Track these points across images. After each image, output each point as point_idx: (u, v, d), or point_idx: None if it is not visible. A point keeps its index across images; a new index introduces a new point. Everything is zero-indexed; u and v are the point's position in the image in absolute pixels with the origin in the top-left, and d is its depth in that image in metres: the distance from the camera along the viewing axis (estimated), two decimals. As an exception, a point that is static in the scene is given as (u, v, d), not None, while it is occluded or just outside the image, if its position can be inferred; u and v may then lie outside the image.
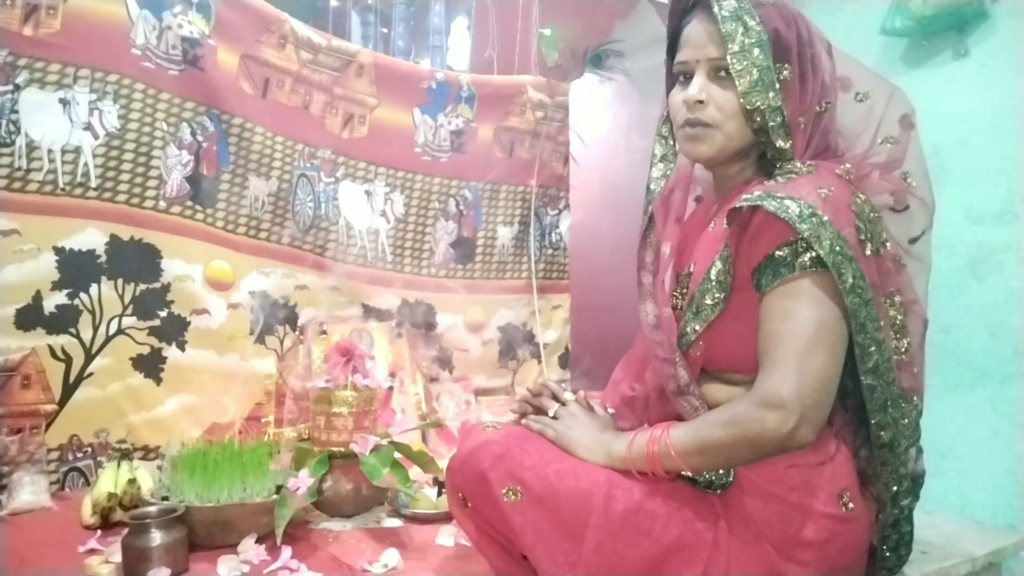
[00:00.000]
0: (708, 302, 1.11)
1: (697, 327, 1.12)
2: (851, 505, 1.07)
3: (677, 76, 1.18)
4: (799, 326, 1.01)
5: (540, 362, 2.48)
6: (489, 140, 2.40)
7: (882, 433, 1.09)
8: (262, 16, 1.97)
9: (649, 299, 1.20)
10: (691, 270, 1.16)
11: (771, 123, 1.10)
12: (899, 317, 1.13)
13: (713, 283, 1.10)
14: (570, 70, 2.42)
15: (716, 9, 1.10)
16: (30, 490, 1.55)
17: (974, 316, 1.81)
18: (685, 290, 1.16)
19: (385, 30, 2.41)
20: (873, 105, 1.21)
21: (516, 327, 2.47)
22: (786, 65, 1.11)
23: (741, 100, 1.10)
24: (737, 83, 1.09)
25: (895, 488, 1.13)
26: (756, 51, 1.09)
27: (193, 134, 1.87)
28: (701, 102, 1.12)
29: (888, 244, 1.12)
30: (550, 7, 2.37)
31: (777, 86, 1.10)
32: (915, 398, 1.14)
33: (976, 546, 1.52)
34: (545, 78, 2.42)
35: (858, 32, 1.98)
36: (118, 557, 1.24)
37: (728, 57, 1.09)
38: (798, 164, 1.11)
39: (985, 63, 1.80)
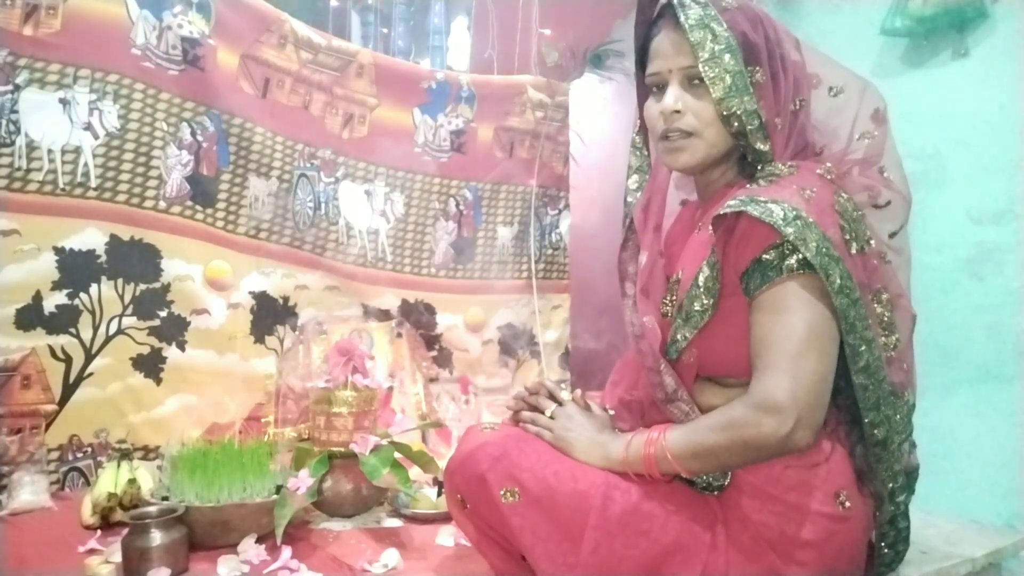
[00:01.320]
0: (697, 308, 1.11)
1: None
2: (848, 504, 1.07)
3: (650, 87, 1.18)
4: (790, 329, 1.02)
5: (540, 362, 2.48)
6: (489, 140, 2.40)
7: (875, 431, 1.09)
8: (262, 16, 1.97)
9: (633, 309, 1.19)
10: (679, 276, 1.16)
11: (749, 126, 1.10)
12: (887, 314, 1.13)
13: (701, 289, 1.10)
14: (570, 70, 2.42)
15: (682, 18, 1.10)
16: (30, 490, 1.55)
17: (974, 316, 1.81)
18: (674, 297, 1.16)
19: (385, 30, 2.41)
20: (847, 100, 1.20)
21: (516, 327, 2.46)
22: (757, 68, 1.11)
23: (717, 107, 1.10)
24: (711, 90, 1.09)
25: (891, 484, 1.13)
26: (727, 57, 1.09)
27: (193, 134, 1.87)
28: (678, 112, 1.13)
29: (872, 242, 1.12)
30: (550, 7, 2.37)
31: (751, 89, 1.10)
32: (906, 393, 1.15)
33: (976, 546, 1.52)
34: (545, 78, 2.42)
35: (858, 32, 1.98)
36: (118, 557, 1.25)
37: (700, 65, 1.09)
38: (779, 165, 1.11)
39: (985, 63, 1.80)
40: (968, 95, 1.82)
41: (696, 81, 1.12)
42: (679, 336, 1.13)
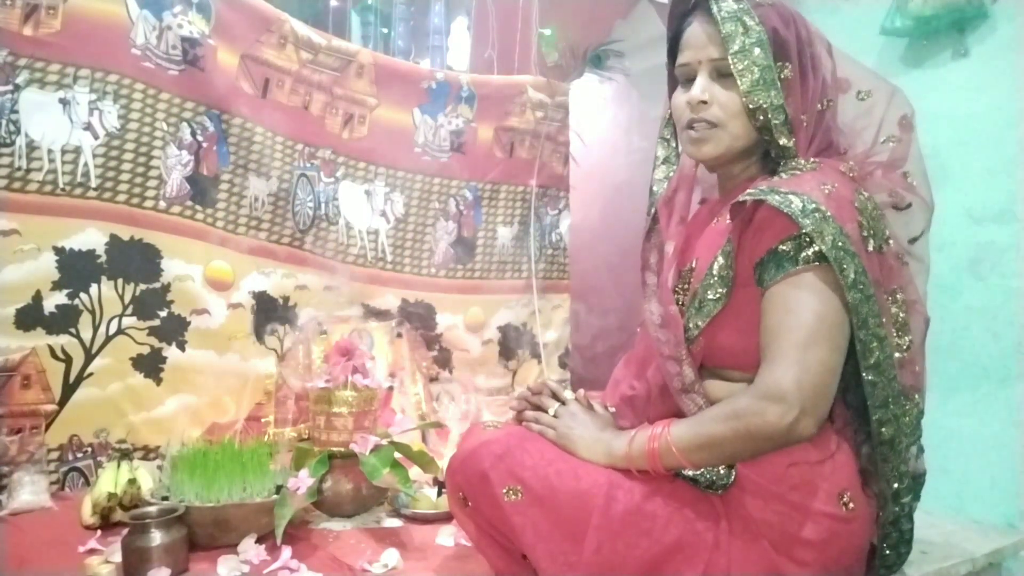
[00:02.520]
0: (710, 297, 1.11)
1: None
2: (852, 505, 1.07)
3: (679, 79, 1.19)
4: (801, 319, 1.02)
5: (540, 362, 2.48)
6: (489, 140, 2.40)
7: (883, 430, 1.09)
8: (262, 16, 1.97)
9: (654, 298, 1.20)
10: (694, 266, 1.17)
11: (774, 121, 1.11)
12: (901, 314, 1.13)
13: (715, 278, 1.11)
14: (570, 70, 2.42)
15: (715, 11, 1.12)
16: (30, 490, 1.55)
17: (974, 316, 1.81)
18: (687, 286, 1.16)
19: (385, 30, 2.41)
20: (874, 104, 1.22)
21: (516, 327, 2.46)
22: (787, 64, 1.12)
23: (744, 99, 1.11)
24: (739, 82, 1.10)
25: (896, 485, 1.13)
26: (756, 50, 1.10)
27: (193, 134, 1.87)
28: (705, 102, 1.14)
29: (891, 241, 1.12)
30: (550, 7, 2.37)
31: (778, 84, 1.11)
32: (916, 396, 1.14)
33: (976, 546, 1.52)
34: (545, 78, 2.42)
35: (858, 32, 1.98)
36: (118, 557, 1.24)
37: (729, 57, 1.10)
38: (801, 161, 1.12)
39: (985, 63, 1.80)
40: (968, 95, 1.83)
41: (725, 73, 1.13)
42: (691, 325, 1.13)
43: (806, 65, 1.14)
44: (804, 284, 1.03)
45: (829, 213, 1.02)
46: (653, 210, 1.28)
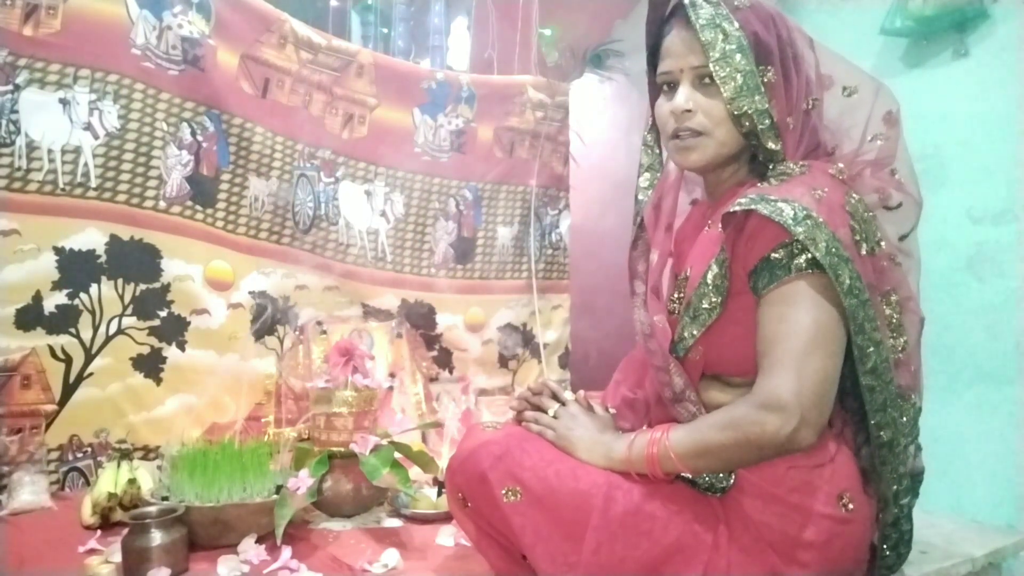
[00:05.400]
0: (705, 306, 1.10)
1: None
2: (851, 506, 1.07)
3: (661, 86, 1.18)
4: (797, 328, 1.01)
5: (540, 362, 2.48)
6: (489, 140, 2.40)
7: (881, 433, 1.09)
8: (262, 16, 1.97)
9: (642, 308, 1.19)
10: (687, 274, 1.16)
11: (760, 126, 1.10)
12: (895, 316, 1.13)
13: (710, 287, 1.10)
14: (570, 70, 2.43)
15: (693, 18, 1.10)
16: (30, 490, 1.55)
17: (974, 316, 1.81)
18: (682, 294, 1.16)
19: (385, 30, 2.41)
20: (860, 100, 1.20)
21: (516, 327, 2.47)
22: (769, 67, 1.11)
23: (728, 106, 1.10)
24: (722, 90, 1.09)
25: (895, 487, 1.13)
26: (738, 56, 1.09)
27: (193, 134, 1.87)
28: (689, 111, 1.13)
29: (883, 243, 1.12)
30: (550, 7, 2.37)
31: (762, 89, 1.10)
32: (913, 396, 1.14)
33: (976, 546, 1.52)
34: (545, 78, 2.42)
35: (858, 32, 1.98)
36: (118, 557, 1.24)
37: (710, 65, 1.09)
38: (791, 165, 1.11)
39: (985, 63, 1.80)
40: (968, 95, 1.83)
41: (707, 80, 1.12)
42: (686, 334, 1.12)
43: (789, 66, 1.12)
44: (798, 292, 1.03)
45: (821, 219, 1.01)
46: (639, 218, 1.27)
